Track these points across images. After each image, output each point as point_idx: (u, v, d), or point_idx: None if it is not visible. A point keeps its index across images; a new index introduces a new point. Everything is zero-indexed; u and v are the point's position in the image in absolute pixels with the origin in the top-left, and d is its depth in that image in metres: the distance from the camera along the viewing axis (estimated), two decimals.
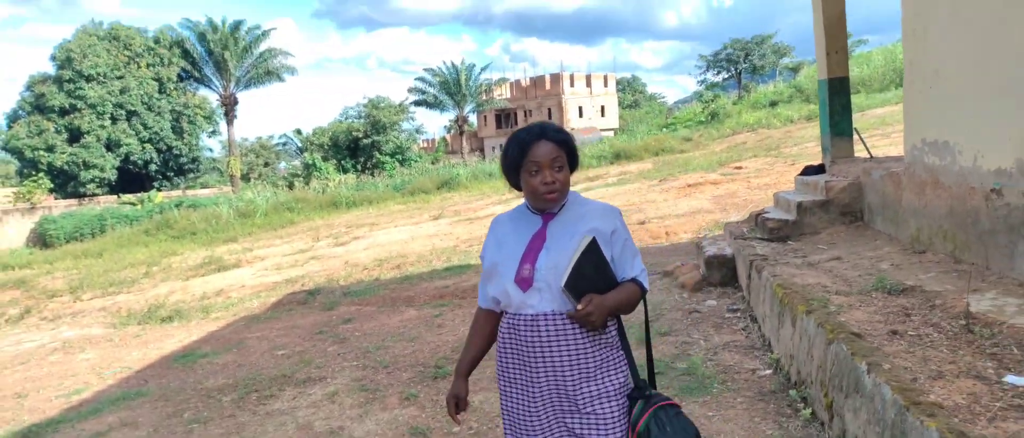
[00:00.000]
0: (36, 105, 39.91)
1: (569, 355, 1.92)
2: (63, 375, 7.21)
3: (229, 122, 42.03)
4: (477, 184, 25.60)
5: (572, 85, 58.24)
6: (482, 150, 56.08)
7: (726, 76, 54.97)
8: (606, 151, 28.50)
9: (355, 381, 5.24)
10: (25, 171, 39.14)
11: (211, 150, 51.37)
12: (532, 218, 2.01)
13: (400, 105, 44.76)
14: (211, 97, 44.37)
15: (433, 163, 41.46)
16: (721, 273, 6.32)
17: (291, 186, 31.95)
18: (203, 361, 6.78)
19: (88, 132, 39.28)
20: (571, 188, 2.01)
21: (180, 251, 18.31)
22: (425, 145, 58.79)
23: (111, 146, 40.31)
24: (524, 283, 1.91)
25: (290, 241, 17.54)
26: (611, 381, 1.95)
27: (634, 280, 2.01)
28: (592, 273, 1.87)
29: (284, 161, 59.18)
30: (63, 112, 39.33)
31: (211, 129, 46.85)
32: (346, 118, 47.67)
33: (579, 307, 1.84)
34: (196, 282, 13.11)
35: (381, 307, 8.00)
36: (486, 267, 2.05)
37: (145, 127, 41.59)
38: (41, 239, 26.06)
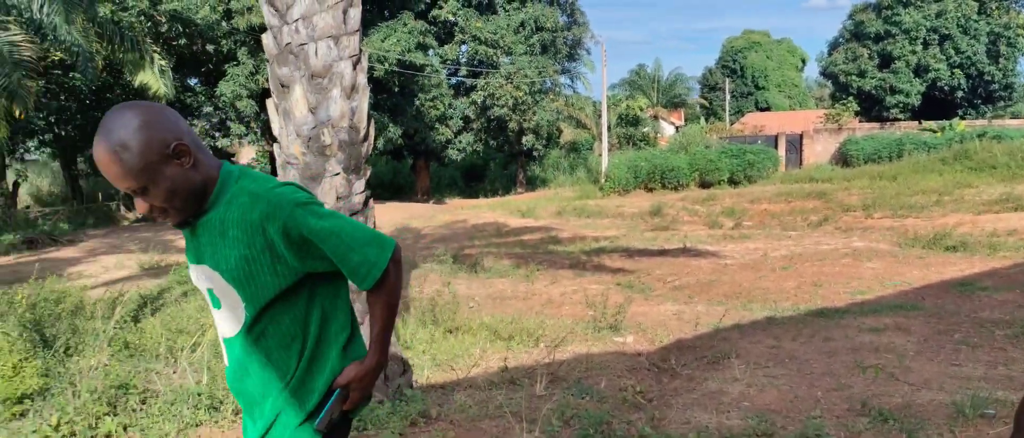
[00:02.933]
0: (854, 33, 43.00)
1: None
2: (850, 276, 8.39)
3: None
4: None
5: None
6: None
7: None
8: None
9: None
10: (837, 95, 43.15)
11: None
12: None
13: None
14: None
15: None
16: None
17: None
18: (981, 293, 6.84)
19: (898, 58, 40.24)
20: None
21: (975, 184, 17.55)
22: None
23: (919, 71, 40.32)
24: None
25: None
26: None
27: None
28: None
29: None
30: (877, 38, 41.25)
31: None
32: None
33: None
34: (987, 218, 12.59)
35: None
36: None
37: (957, 51, 39.84)
38: (842, 158, 28.73)
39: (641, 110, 35.93)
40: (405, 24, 24.89)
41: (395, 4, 26.15)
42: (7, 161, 20.90)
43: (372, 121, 4.61)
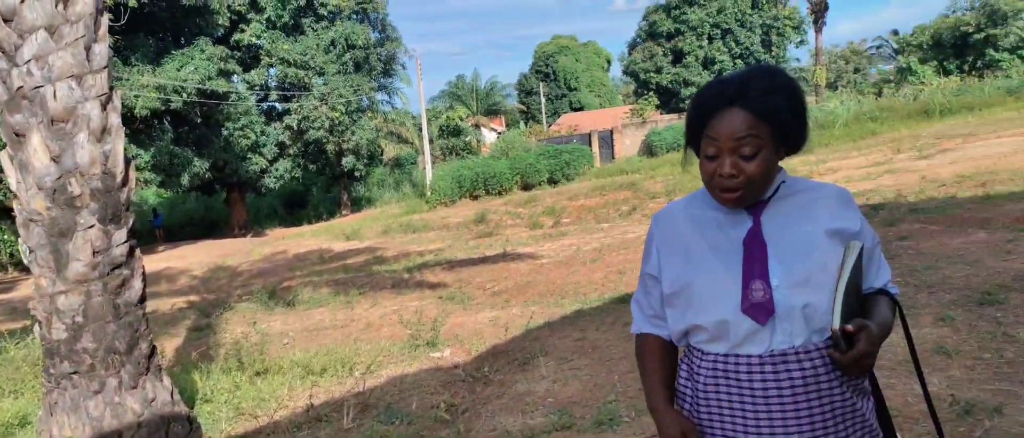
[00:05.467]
0: (649, 33, 46.38)
1: (822, 413, 1.33)
2: None
3: (817, 30, 41.24)
4: None
5: None
6: None
7: None
8: None
9: None
10: (639, 91, 46.29)
11: (799, 59, 51.39)
12: (732, 210, 1.39)
13: None
14: (802, 7, 44.17)
15: None
16: None
17: (879, 94, 29.98)
18: None
19: (688, 53, 43.94)
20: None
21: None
22: None
23: (707, 64, 44.25)
24: (760, 311, 1.32)
25: (867, 153, 16.92)
26: None
27: (883, 291, 1.44)
28: (855, 296, 1.35)
29: (876, 66, 55.09)
30: (669, 36, 44.80)
31: (799, 39, 46.84)
32: (954, 12, 41.45)
33: (858, 347, 1.27)
34: None
35: (948, 227, 7.43)
36: (668, 289, 1.45)
37: (737, 43, 44.21)
38: (648, 149, 30.88)
39: (461, 120, 36.46)
40: (202, 50, 23.50)
41: (189, 31, 24.61)
42: None
43: (132, 164, 4.26)
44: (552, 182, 25.37)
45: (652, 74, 44.75)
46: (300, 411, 4.79)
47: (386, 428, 4.19)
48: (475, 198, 24.64)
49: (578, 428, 3.93)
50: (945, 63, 36.85)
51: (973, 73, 33.24)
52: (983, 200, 8.50)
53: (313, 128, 26.66)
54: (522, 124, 48.91)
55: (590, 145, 31.34)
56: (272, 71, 28.01)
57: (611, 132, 32.78)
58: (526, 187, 25.12)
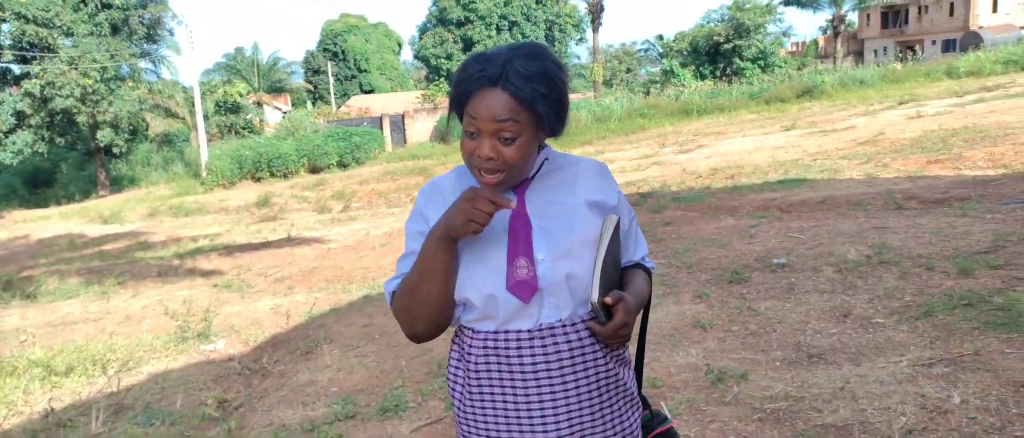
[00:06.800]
0: (440, 19, 46.70)
1: (588, 383, 1.36)
2: None
3: (595, 29, 44.07)
4: (843, 93, 23.40)
5: None
6: (860, 54, 50.16)
7: None
8: (1020, 54, 23.50)
9: (658, 277, 5.72)
10: (430, 76, 46.50)
11: (578, 57, 54.70)
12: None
13: (768, 6, 42.08)
14: (580, 6, 46.93)
15: (799, 69, 38.62)
16: None
17: (647, 92, 32.78)
18: None
19: (478, 42, 44.90)
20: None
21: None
22: (793, 49, 54.59)
23: None
24: (525, 289, 1.30)
25: (638, 146, 18.39)
26: (634, 416, 1.46)
27: (640, 265, 1.50)
28: (613, 268, 1.38)
29: (645, 67, 60.31)
30: (459, 24, 45.45)
31: (579, 36, 49.84)
32: (708, 22, 46.54)
33: (616, 319, 1.30)
34: None
35: (703, 214, 8.27)
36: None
37: (523, 36, 45.97)
38: (440, 134, 31.09)
39: (241, 96, 34.01)
40: None
41: None
42: None
43: None
44: (342, 166, 24.60)
45: (443, 60, 45.16)
46: (37, 417, 4.14)
47: (143, 430, 3.75)
48: (258, 180, 23.18)
49: (362, 417, 3.80)
50: (701, 68, 41.22)
51: (723, 78, 37.52)
52: (732, 190, 9.59)
53: (60, 96, 23.33)
54: (309, 104, 46.88)
55: (381, 129, 30.85)
56: (6, 27, 24.09)
57: (403, 116, 32.52)
58: (314, 170, 24.12)
